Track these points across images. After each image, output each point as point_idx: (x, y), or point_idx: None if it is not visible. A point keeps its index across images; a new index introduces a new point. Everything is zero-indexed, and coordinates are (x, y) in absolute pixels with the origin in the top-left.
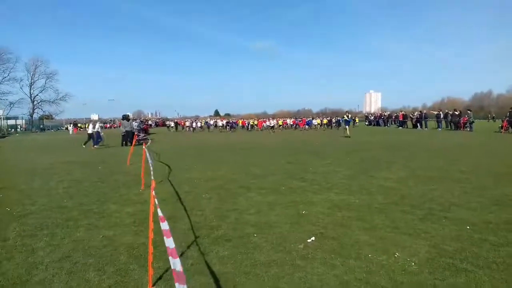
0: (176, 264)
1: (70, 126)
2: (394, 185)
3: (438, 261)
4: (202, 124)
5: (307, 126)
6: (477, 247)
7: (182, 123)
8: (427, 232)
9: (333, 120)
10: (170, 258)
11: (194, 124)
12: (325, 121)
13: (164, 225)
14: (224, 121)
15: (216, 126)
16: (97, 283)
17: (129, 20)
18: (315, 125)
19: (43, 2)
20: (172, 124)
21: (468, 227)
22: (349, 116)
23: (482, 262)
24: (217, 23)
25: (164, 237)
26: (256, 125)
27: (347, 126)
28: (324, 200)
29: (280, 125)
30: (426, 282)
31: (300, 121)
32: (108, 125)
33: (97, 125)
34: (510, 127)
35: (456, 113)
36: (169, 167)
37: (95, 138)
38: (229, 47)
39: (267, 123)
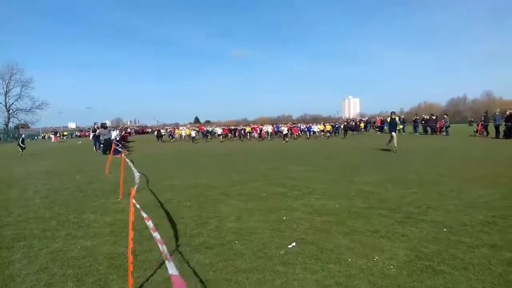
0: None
1: (51, 134)
2: (373, 189)
3: (416, 263)
4: (195, 134)
5: (308, 133)
6: (454, 249)
7: (173, 131)
8: (405, 235)
9: (336, 126)
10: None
11: (183, 133)
12: (328, 127)
13: (150, 224)
14: (222, 128)
15: (216, 134)
16: None
17: (106, 27)
18: (316, 132)
19: (12, 8)
20: (156, 133)
21: (445, 229)
22: (397, 118)
23: (458, 263)
24: (196, 30)
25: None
26: (250, 132)
27: (393, 133)
28: (304, 206)
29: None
30: (405, 284)
31: (295, 127)
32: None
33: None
34: (485, 131)
35: (433, 117)
36: (145, 176)
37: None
38: (209, 54)
39: (266, 129)
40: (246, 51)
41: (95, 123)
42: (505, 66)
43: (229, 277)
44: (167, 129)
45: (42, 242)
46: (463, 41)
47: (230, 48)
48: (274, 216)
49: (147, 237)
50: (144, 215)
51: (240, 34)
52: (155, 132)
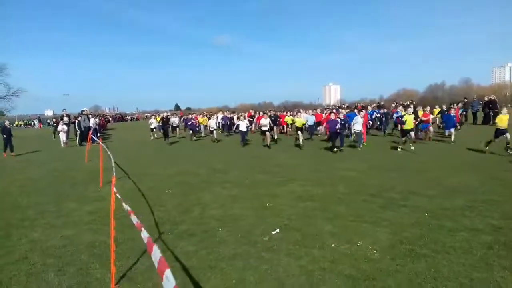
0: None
1: (35, 121)
2: (355, 176)
3: (399, 247)
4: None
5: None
6: (435, 233)
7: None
8: (387, 219)
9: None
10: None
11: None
12: (436, 111)
13: (134, 218)
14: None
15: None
16: (58, 284)
17: (85, 12)
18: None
19: None
20: (154, 123)
21: (426, 214)
22: None
23: (440, 247)
24: (177, 16)
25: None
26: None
27: None
28: (288, 192)
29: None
30: (388, 268)
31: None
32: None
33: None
34: (463, 117)
35: (414, 103)
36: (118, 165)
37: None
38: (189, 40)
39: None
40: (227, 38)
41: (63, 110)
42: (483, 54)
43: (214, 264)
44: (180, 117)
45: (20, 232)
46: (441, 29)
47: (211, 35)
48: (258, 203)
49: (129, 225)
50: (128, 208)
51: (221, 21)
52: (151, 120)
